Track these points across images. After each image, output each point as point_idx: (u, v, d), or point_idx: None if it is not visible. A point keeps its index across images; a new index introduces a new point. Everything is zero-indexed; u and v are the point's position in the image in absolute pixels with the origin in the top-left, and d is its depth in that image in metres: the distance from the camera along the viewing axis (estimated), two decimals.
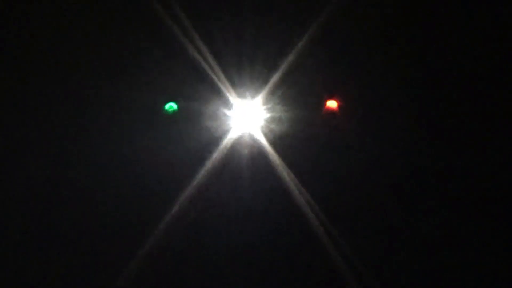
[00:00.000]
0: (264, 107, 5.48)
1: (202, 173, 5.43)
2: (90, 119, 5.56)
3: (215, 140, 5.47)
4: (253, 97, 5.48)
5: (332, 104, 5.43)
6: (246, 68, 5.42)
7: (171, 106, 5.47)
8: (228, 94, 5.43)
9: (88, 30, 5.49)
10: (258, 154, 5.46)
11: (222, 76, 5.39)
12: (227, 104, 5.48)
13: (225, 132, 5.49)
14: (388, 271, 5.37)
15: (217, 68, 5.38)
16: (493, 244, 5.32)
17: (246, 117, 5.48)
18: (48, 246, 5.47)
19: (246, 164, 5.47)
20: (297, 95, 5.47)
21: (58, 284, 5.38)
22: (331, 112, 5.44)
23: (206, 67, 5.37)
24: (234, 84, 5.44)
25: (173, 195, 5.45)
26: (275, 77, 5.39)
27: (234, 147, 5.47)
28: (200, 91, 5.47)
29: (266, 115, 5.49)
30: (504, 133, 5.40)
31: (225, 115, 5.49)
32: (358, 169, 5.43)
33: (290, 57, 5.36)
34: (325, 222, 5.35)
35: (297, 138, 5.46)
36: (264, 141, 5.44)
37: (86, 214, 5.51)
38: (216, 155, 5.44)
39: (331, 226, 5.36)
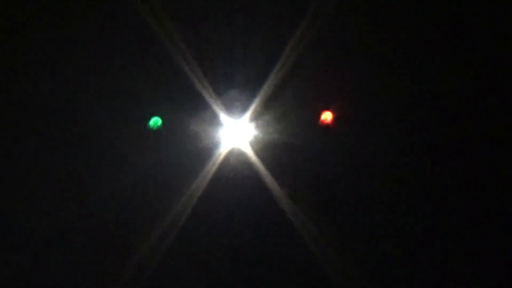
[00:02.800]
0: (254, 122, 5.39)
1: (190, 189, 5.35)
2: (75, 133, 5.41)
3: (204, 156, 5.41)
4: (242, 112, 5.37)
5: (327, 116, 5.37)
6: (235, 83, 5.33)
7: (155, 121, 5.32)
8: (217, 110, 5.31)
9: (72, 44, 5.29)
10: (247, 170, 5.39)
11: (211, 92, 5.28)
12: (216, 119, 5.36)
13: (214, 148, 5.40)
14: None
15: (206, 84, 5.28)
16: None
17: (235, 132, 5.38)
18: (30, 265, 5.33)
19: (236, 180, 5.42)
20: (286, 109, 5.40)
21: None
22: (326, 124, 5.39)
23: (195, 82, 5.27)
24: (223, 100, 5.33)
25: (161, 212, 5.36)
26: (264, 93, 5.31)
27: (223, 163, 5.39)
28: (188, 106, 5.39)
29: (256, 130, 5.40)
30: (498, 150, 5.46)
31: (214, 130, 5.38)
32: (350, 184, 5.43)
33: (280, 73, 5.27)
34: (316, 237, 5.36)
35: (287, 153, 5.40)
36: (253, 157, 5.37)
37: (69, 231, 5.38)
38: (205, 171, 5.36)
39: (323, 241, 5.37)
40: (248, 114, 5.40)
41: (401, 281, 5.40)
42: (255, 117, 5.43)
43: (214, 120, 5.40)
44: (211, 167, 5.37)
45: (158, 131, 5.38)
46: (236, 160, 5.42)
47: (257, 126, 5.45)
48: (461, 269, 5.42)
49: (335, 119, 5.42)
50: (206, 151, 5.41)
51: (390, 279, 5.42)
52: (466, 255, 5.41)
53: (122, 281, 5.27)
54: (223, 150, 5.41)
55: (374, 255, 5.48)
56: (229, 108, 5.39)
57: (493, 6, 5.32)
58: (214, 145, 5.42)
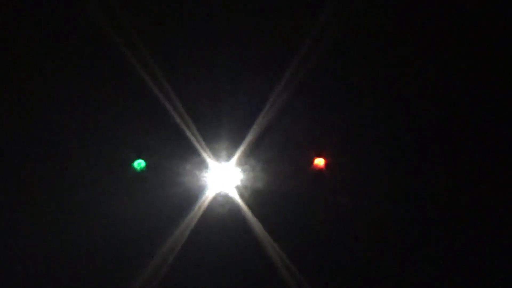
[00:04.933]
0: (241, 167, 5.28)
1: (175, 235, 5.25)
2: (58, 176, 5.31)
3: (189, 201, 5.31)
4: (229, 156, 5.26)
5: (319, 162, 5.26)
6: (222, 126, 5.23)
7: (139, 163, 5.22)
8: (203, 153, 5.21)
9: (57, 83, 5.18)
10: (233, 215, 5.28)
11: (197, 135, 5.18)
12: (202, 163, 5.26)
13: (199, 192, 5.29)
14: None
15: (192, 127, 5.18)
16: None
17: (222, 177, 5.27)
18: None
19: (221, 226, 5.31)
20: (275, 154, 5.29)
21: None
22: (318, 170, 5.28)
23: (181, 124, 5.17)
24: (209, 143, 5.23)
25: (145, 258, 5.26)
26: (251, 136, 5.21)
27: (209, 208, 5.29)
28: (174, 149, 5.28)
29: (243, 175, 5.29)
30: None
31: (200, 174, 5.28)
32: (339, 233, 5.31)
33: (268, 116, 5.16)
34: (303, 283, 5.24)
35: (275, 199, 5.28)
36: (240, 202, 5.26)
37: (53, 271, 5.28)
38: (190, 216, 5.26)
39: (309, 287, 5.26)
40: (235, 158, 5.29)
41: None
42: (243, 162, 5.31)
43: (200, 164, 5.30)
44: (196, 212, 5.26)
45: (142, 174, 5.27)
46: (222, 206, 5.31)
47: (244, 171, 5.33)
48: None
49: (327, 165, 5.30)
50: (191, 196, 5.30)
51: None
52: None
53: None
54: (208, 194, 5.30)
55: None
56: (215, 152, 5.28)
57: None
58: (200, 190, 5.31)
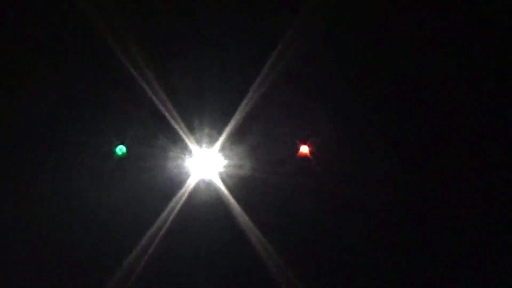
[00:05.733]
0: (224, 153, 5.26)
1: (158, 221, 5.23)
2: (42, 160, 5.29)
3: (172, 187, 5.28)
4: (212, 142, 5.24)
5: (304, 149, 5.24)
6: (205, 111, 5.20)
7: (120, 149, 5.19)
8: (187, 140, 5.20)
9: (38, 72, 5.18)
10: (216, 202, 5.26)
11: (179, 120, 5.14)
12: (185, 150, 5.24)
13: (182, 179, 5.27)
14: None
15: (174, 112, 5.13)
16: None
17: (205, 163, 5.25)
18: None
19: (204, 212, 5.29)
20: (259, 140, 5.27)
21: None
22: (303, 157, 5.26)
23: (163, 110, 5.15)
24: (192, 129, 5.20)
25: (128, 244, 5.23)
26: (235, 122, 5.18)
27: (192, 195, 5.26)
28: (156, 135, 5.24)
29: (226, 161, 5.27)
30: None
31: (182, 160, 5.26)
32: (322, 218, 5.29)
33: (251, 102, 5.14)
34: (284, 270, 5.23)
35: (258, 185, 5.26)
36: (223, 189, 5.24)
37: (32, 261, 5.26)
38: (172, 202, 5.24)
39: (292, 274, 5.24)
40: (218, 145, 5.26)
41: None
42: (226, 148, 5.29)
43: (183, 150, 5.27)
44: (179, 198, 5.24)
45: (124, 160, 5.25)
46: (204, 192, 5.29)
47: (228, 157, 5.31)
48: None
49: (312, 152, 5.28)
50: (174, 182, 5.27)
51: None
52: None
53: None
54: (191, 181, 5.28)
55: None
56: (198, 138, 5.26)
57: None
58: (183, 176, 5.29)
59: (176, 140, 5.24)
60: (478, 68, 5.29)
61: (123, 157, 5.25)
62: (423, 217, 5.33)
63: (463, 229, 5.35)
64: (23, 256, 5.28)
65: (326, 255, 5.35)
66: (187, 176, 5.29)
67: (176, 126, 5.18)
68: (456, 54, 5.30)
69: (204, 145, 5.28)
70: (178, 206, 5.25)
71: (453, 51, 5.29)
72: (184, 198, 5.25)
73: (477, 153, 5.35)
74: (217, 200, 5.29)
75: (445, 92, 5.28)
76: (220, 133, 5.22)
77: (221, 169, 5.31)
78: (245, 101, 5.13)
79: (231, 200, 5.26)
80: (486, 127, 5.33)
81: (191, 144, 5.24)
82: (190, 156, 5.29)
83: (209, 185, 5.31)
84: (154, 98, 5.12)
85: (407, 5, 5.16)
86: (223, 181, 5.29)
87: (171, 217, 5.24)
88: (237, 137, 5.24)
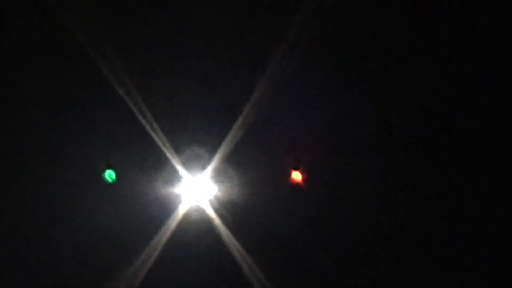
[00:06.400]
0: (215, 179, 5.15)
1: (147, 249, 5.14)
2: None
3: (162, 214, 5.19)
4: (202, 168, 5.13)
5: (296, 176, 5.13)
6: (196, 137, 5.11)
7: (109, 174, 5.08)
8: (177, 167, 5.10)
9: (26, 92, 5.09)
10: (207, 229, 5.16)
11: (169, 146, 5.07)
12: (175, 177, 5.14)
13: (172, 205, 5.18)
14: None
15: (164, 138, 5.06)
16: None
17: (195, 189, 5.14)
18: None
19: (195, 240, 5.20)
20: (250, 166, 5.17)
21: None
22: (295, 184, 5.15)
23: (153, 135, 5.05)
24: (182, 155, 5.11)
25: (116, 272, 5.13)
26: (226, 147, 5.07)
27: (182, 222, 5.16)
28: (146, 160, 5.14)
29: (217, 187, 5.16)
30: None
31: (172, 187, 5.16)
32: (311, 244, 5.19)
33: (243, 127, 5.04)
34: None
35: (249, 211, 5.16)
36: (214, 216, 5.14)
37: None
38: (162, 230, 5.15)
39: None
40: (208, 171, 5.15)
41: None
42: (217, 174, 5.18)
43: (173, 177, 5.16)
44: (169, 225, 5.13)
45: (113, 185, 5.14)
46: (195, 219, 5.17)
47: (219, 183, 5.20)
48: None
49: (304, 179, 5.16)
50: (164, 209, 5.16)
51: None
52: None
53: None
54: (182, 207, 5.17)
55: None
56: (188, 164, 5.14)
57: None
58: (173, 203, 5.17)
59: (166, 166, 5.12)
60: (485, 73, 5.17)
61: (112, 183, 5.14)
62: (417, 249, 5.22)
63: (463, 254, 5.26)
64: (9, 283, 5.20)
65: (319, 283, 5.25)
66: (177, 202, 5.18)
67: (166, 152, 5.07)
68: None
69: (194, 171, 5.16)
70: (168, 234, 5.14)
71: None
72: (174, 225, 5.15)
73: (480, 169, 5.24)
74: (208, 227, 5.18)
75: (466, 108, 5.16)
76: (211, 159, 5.11)
77: (212, 196, 5.19)
78: (236, 126, 5.02)
79: (222, 227, 5.15)
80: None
81: (182, 170, 5.13)
82: (180, 182, 5.18)
83: (200, 212, 5.20)
84: (144, 123, 5.01)
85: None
86: (214, 208, 5.18)
87: (161, 244, 5.14)
88: (228, 163, 5.12)
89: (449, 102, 5.19)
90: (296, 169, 5.16)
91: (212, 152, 5.10)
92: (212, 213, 5.16)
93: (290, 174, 5.16)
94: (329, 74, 5.09)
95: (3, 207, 5.19)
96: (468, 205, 5.26)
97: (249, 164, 5.14)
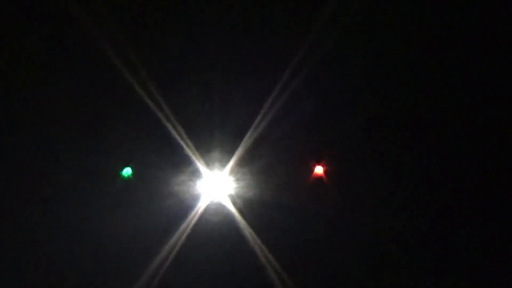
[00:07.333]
0: (235, 175, 5.18)
1: (168, 244, 5.15)
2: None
3: (182, 210, 5.20)
4: (222, 165, 5.17)
5: (319, 170, 5.16)
6: (215, 134, 5.14)
7: (127, 171, 5.12)
8: (197, 163, 5.14)
9: (47, 93, 5.15)
10: (227, 225, 5.17)
11: (190, 143, 5.09)
12: (195, 173, 5.18)
13: (192, 202, 5.19)
14: None
15: (184, 135, 5.09)
16: None
17: (215, 186, 5.18)
18: None
19: (215, 236, 5.20)
20: (270, 162, 5.20)
21: None
22: (317, 179, 5.18)
23: (174, 132, 5.09)
24: (202, 151, 5.14)
25: (137, 269, 5.13)
26: (245, 144, 5.11)
27: (202, 218, 5.17)
28: (166, 158, 5.18)
29: (237, 184, 5.19)
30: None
31: (193, 183, 5.19)
32: (332, 240, 5.20)
33: (262, 124, 5.08)
34: None
35: (269, 207, 5.18)
36: (234, 211, 5.16)
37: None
38: (183, 226, 5.16)
39: None
40: (228, 167, 5.19)
41: None
42: (236, 170, 5.22)
43: (193, 173, 5.20)
44: (189, 222, 5.15)
45: (132, 183, 5.17)
46: (215, 215, 5.20)
47: (239, 180, 5.23)
48: None
49: (326, 174, 5.20)
50: (184, 206, 5.19)
51: None
52: None
53: None
54: (201, 204, 5.19)
55: None
56: (208, 160, 5.19)
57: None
58: (193, 199, 5.20)
59: (186, 163, 5.16)
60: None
61: (131, 180, 5.18)
62: (442, 239, 5.24)
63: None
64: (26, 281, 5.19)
65: (338, 279, 5.25)
66: (197, 199, 5.21)
67: (186, 148, 5.11)
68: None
69: (214, 167, 5.20)
70: (188, 230, 5.16)
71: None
72: (194, 221, 5.17)
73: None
74: (228, 223, 5.20)
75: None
76: (230, 154, 5.16)
77: (232, 192, 5.23)
78: (256, 122, 5.08)
79: (242, 223, 5.17)
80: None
81: (201, 167, 5.17)
82: (200, 179, 5.21)
83: (219, 208, 5.22)
84: (163, 119, 5.06)
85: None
86: (234, 203, 5.21)
87: (181, 240, 5.15)
88: (248, 159, 5.16)
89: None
90: (318, 163, 5.20)
91: (232, 147, 5.14)
92: (232, 209, 5.19)
93: (312, 169, 5.20)
94: (349, 71, 5.16)
95: (23, 205, 5.21)
96: None
97: (269, 159, 5.18)
